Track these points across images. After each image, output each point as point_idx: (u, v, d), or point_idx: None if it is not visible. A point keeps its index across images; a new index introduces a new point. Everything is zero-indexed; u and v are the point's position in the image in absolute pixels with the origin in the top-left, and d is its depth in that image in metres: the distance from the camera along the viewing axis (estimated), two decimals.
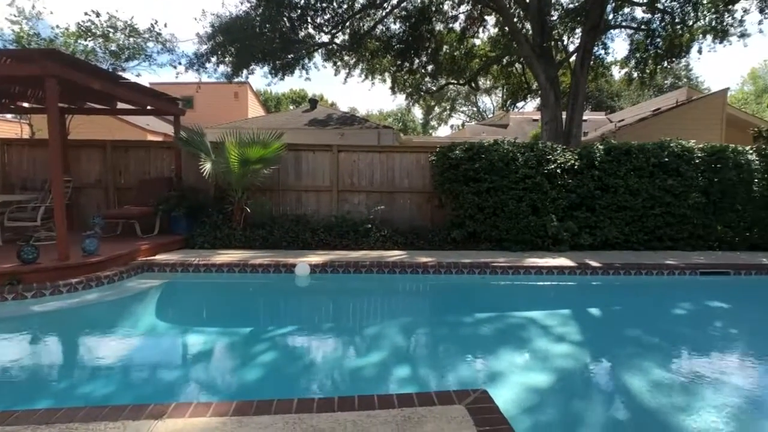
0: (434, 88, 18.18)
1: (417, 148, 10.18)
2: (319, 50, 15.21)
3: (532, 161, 8.67)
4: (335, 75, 18.14)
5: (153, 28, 15.99)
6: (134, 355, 4.32)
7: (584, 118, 27.06)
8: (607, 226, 8.76)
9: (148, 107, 9.05)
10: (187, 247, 8.38)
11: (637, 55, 17.61)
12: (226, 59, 13.58)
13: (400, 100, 70.31)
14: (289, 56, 13.98)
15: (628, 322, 5.85)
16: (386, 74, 17.28)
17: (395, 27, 15.65)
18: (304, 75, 15.93)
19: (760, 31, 15.57)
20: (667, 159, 8.81)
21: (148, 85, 10.15)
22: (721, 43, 16.43)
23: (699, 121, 17.75)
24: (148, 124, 19.67)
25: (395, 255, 7.92)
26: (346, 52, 15.31)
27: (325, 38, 14.79)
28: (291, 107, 35.29)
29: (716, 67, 65.42)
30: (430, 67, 17.35)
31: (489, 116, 35.29)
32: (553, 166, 8.68)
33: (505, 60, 17.63)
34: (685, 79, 40.69)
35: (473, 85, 17.94)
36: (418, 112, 42.39)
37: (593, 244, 8.75)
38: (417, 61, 16.57)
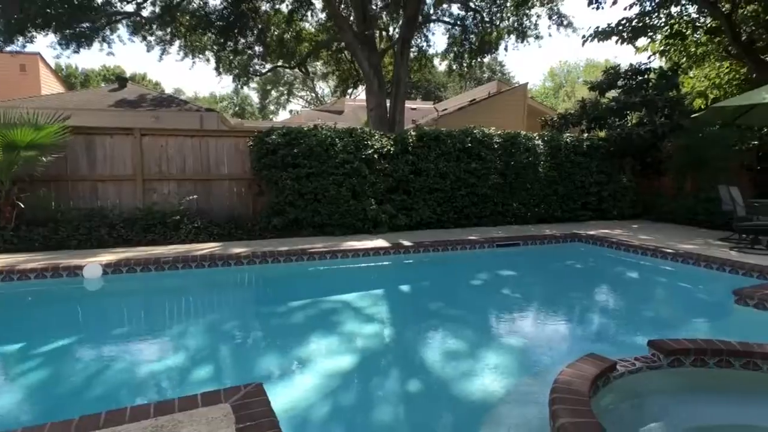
0: (263, 71, 17.48)
1: (236, 133, 9.60)
2: (124, 21, 13.42)
3: (350, 146, 8.78)
4: (148, 51, 16.25)
5: None
6: None
7: (414, 107, 28.78)
8: (421, 207, 9.33)
9: None
10: None
11: (455, 49, 19.08)
12: None
13: (228, 81, 66.20)
14: (84, 25, 12.04)
15: (433, 294, 6.27)
16: (209, 53, 16.05)
17: (215, 2, 14.57)
18: (106, 49, 13.94)
19: (550, 35, 18.25)
20: (470, 144, 9.68)
21: None
22: (522, 42, 18.74)
23: (507, 110, 20.08)
24: None
25: (208, 247, 7.36)
26: (158, 26, 13.77)
27: (130, 8, 13.08)
28: (103, 86, 30.91)
29: (528, 64, 75.17)
30: (257, 48, 16.61)
31: (328, 102, 35.53)
32: (370, 152, 8.91)
33: (334, 45, 17.71)
34: (499, 74, 45.86)
35: (303, 69, 17.70)
36: (255, 96, 40.76)
37: (410, 225, 9.26)
38: (242, 41, 15.70)
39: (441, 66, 23.45)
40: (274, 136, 8.34)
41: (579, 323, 5.27)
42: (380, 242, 7.83)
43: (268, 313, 5.50)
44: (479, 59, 19.99)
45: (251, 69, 17.06)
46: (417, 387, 3.52)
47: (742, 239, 7.98)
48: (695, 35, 14.20)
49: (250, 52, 16.45)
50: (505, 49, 19.92)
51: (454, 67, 19.73)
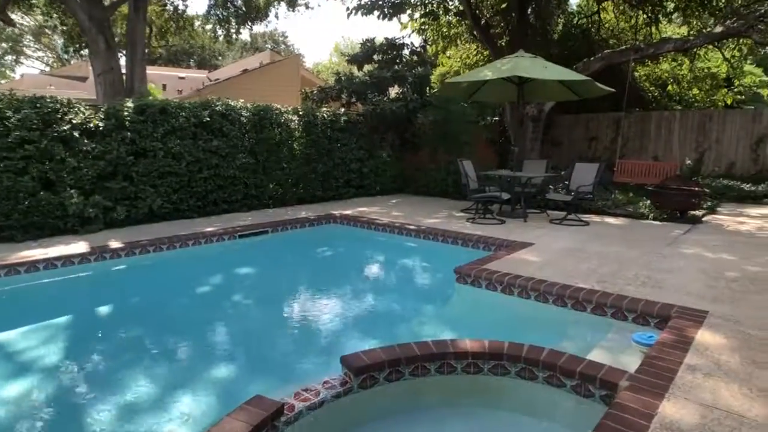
0: None
1: None
2: None
3: (34, 121, 6.61)
4: None
5: None
6: None
7: (183, 75, 25.65)
8: (150, 196, 7.69)
9: None
10: None
11: (218, 12, 17.24)
12: None
13: None
14: None
15: (133, 316, 4.96)
16: None
17: None
18: None
19: (319, 5, 17.60)
20: (209, 119, 8.35)
21: None
22: (292, 10, 17.88)
23: (281, 82, 19.17)
24: None
25: None
26: None
27: None
28: None
29: (318, 39, 75.23)
30: None
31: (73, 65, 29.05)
32: (67, 128, 6.88)
33: None
34: (283, 45, 44.48)
35: (4, 18, 13.61)
36: None
37: (136, 218, 7.57)
38: None
39: (207, 30, 21.14)
40: None
41: (295, 337, 4.54)
42: (78, 247, 6.06)
43: None
44: (249, 25, 18.47)
45: None
46: None
47: (478, 209, 8.52)
48: (447, 17, 15.11)
49: None
50: (276, 17, 18.91)
51: (220, 32, 17.88)
